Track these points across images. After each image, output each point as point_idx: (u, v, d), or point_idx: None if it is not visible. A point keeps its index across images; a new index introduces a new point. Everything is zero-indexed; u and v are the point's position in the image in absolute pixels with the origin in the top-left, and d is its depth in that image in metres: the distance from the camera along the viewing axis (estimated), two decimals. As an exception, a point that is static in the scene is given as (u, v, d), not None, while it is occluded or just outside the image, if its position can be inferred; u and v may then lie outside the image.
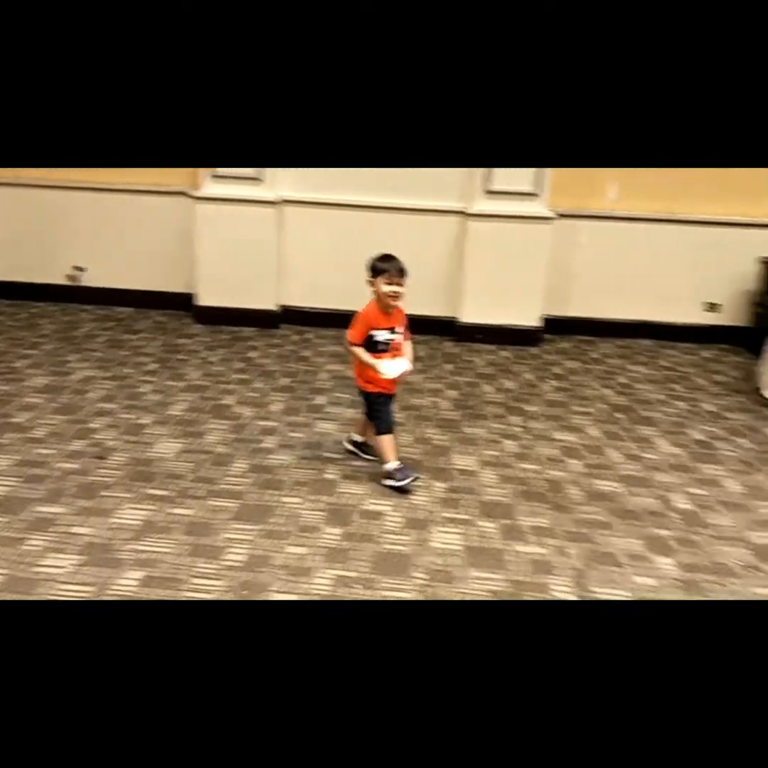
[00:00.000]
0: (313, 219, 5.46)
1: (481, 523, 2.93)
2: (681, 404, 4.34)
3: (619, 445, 3.75)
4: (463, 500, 3.10)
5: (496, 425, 3.94)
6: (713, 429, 3.99)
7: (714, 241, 5.40)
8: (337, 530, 2.81)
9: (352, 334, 3.10)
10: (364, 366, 3.11)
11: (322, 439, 3.63)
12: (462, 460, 3.49)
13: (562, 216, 5.22)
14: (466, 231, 5.28)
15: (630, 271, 5.53)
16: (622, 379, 4.76)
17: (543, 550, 2.76)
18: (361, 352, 3.08)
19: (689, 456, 3.64)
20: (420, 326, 5.54)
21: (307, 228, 5.49)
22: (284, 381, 4.44)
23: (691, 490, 3.29)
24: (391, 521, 2.90)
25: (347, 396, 4.24)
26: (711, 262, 5.44)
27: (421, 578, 2.54)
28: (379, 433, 3.18)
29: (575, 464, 3.51)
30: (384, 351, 3.09)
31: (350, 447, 3.44)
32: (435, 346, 5.32)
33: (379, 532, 2.82)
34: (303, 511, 2.94)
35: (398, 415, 3.97)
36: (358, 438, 3.42)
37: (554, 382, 4.65)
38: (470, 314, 5.43)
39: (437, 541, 2.78)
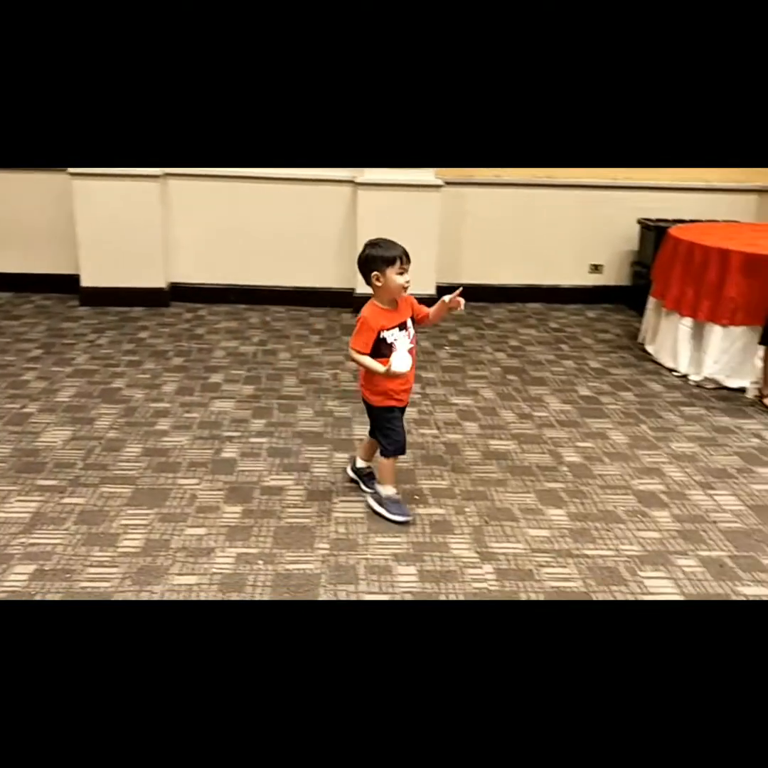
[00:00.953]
0: (199, 192, 5.31)
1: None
2: (569, 363, 4.53)
3: (512, 405, 3.87)
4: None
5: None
6: (599, 385, 4.18)
7: (595, 203, 5.61)
8: (238, 508, 2.79)
9: (356, 342, 2.62)
10: (372, 377, 2.67)
11: (219, 418, 3.57)
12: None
13: (449, 184, 5.29)
14: (356, 200, 5.26)
15: (517, 236, 5.67)
16: (513, 342, 4.90)
17: (442, 511, 2.83)
18: (368, 361, 2.61)
19: (577, 412, 3.81)
20: (317, 299, 5.55)
21: (194, 201, 5.33)
22: (177, 360, 4.33)
23: (580, 443, 3.45)
24: (292, 495, 2.90)
25: (243, 372, 4.18)
26: (593, 225, 5.66)
27: (324, 548, 2.56)
28: (388, 455, 2.75)
29: (471, 426, 3.61)
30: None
31: (352, 475, 2.97)
32: (333, 318, 5.31)
33: (280, 507, 2.81)
34: (201, 492, 2.89)
35: (297, 389, 3.97)
36: (362, 464, 2.93)
37: (450, 348, 4.75)
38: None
39: (340, 510, 2.80)
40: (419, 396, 3.96)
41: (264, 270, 5.50)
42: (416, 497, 2.92)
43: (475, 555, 2.57)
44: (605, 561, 2.56)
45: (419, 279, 5.43)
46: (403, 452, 2.78)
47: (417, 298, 5.38)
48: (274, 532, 2.64)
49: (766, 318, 3.81)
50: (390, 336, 2.62)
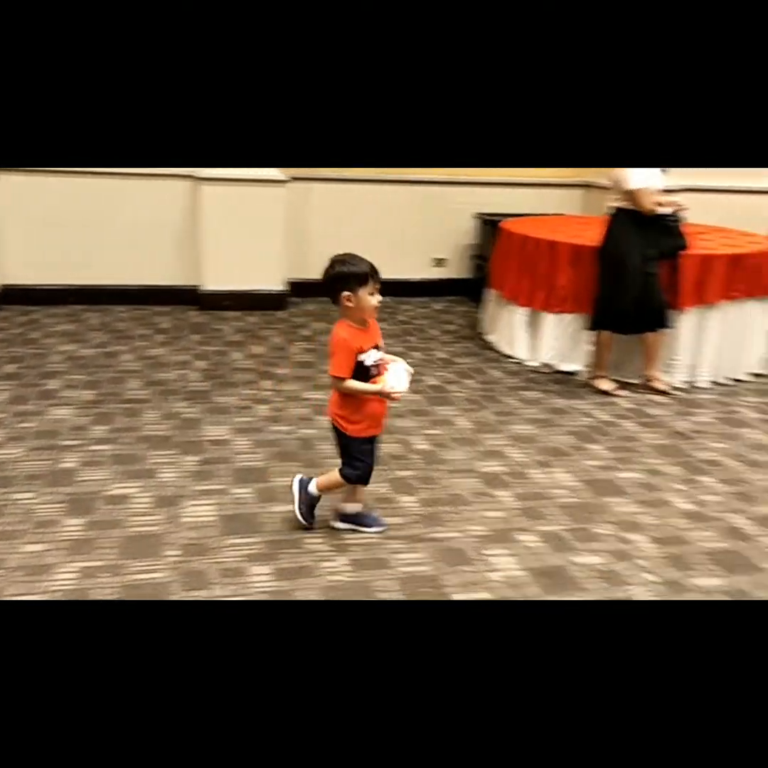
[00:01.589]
0: (29, 187, 4.97)
1: (235, 490, 2.93)
2: (417, 354, 4.66)
3: (364, 398, 3.94)
4: (216, 470, 3.07)
5: (247, 391, 3.94)
6: (445, 374, 4.35)
7: (435, 199, 5.81)
8: (79, 521, 2.65)
9: (339, 367, 2.42)
10: (351, 403, 2.50)
11: (57, 426, 3.37)
12: (214, 431, 3.45)
13: (295, 179, 5.28)
14: (200, 196, 5.13)
15: (365, 231, 5.75)
16: (365, 335, 4.98)
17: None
18: (356, 384, 2.43)
19: (426, 400, 3.94)
20: (161, 297, 5.36)
21: (24, 197, 4.99)
22: (9, 367, 4.04)
23: (428, 431, 3.57)
24: (138, 503, 2.79)
25: (83, 377, 3.97)
26: (435, 220, 5.86)
27: (174, 555, 2.49)
28: (351, 481, 2.61)
29: (324, 421, 3.62)
30: (376, 375, 2.46)
31: (343, 525, 2.72)
32: (180, 317, 5.16)
33: (126, 516, 2.70)
34: (38, 506, 2.72)
35: (142, 392, 3.83)
36: (350, 508, 2.70)
37: (303, 344, 4.75)
38: (214, 281, 5.33)
39: (189, 515, 2.74)
40: (272, 393, 3.94)
41: (103, 269, 5.25)
42: (269, 496, 2.90)
43: (330, 548, 2.60)
44: (453, 543, 2.68)
45: (266, 274, 5.45)
46: (365, 483, 2.65)
47: (264, 293, 5.41)
48: (120, 543, 2.53)
49: (592, 305, 4.11)
50: (368, 358, 2.45)
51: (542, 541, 2.72)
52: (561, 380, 4.31)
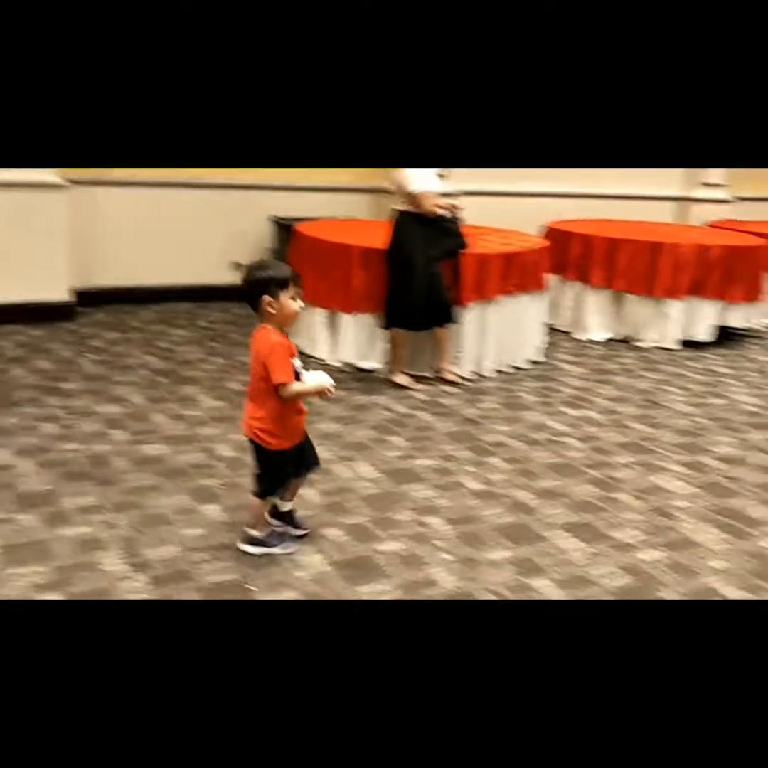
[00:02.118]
0: None
1: (19, 516, 2.72)
2: (220, 360, 4.59)
3: (163, 407, 3.81)
4: (-3, 498, 2.84)
5: (31, 410, 3.67)
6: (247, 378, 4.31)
7: (232, 202, 5.75)
8: None
9: (284, 374, 2.38)
10: (278, 418, 2.46)
11: None
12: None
13: (76, 183, 4.98)
14: (-35, 201, 4.69)
15: (161, 237, 5.58)
16: (163, 344, 4.82)
17: (90, 528, 2.69)
18: (300, 386, 2.43)
19: (230, 406, 3.88)
20: None
21: None
22: None
23: (233, 437, 3.52)
24: None
25: None
26: (232, 223, 5.79)
27: (-52, 594, 2.27)
28: (266, 495, 2.59)
29: (120, 434, 3.47)
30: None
31: (277, 522, 2.69)
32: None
33: None
34: None
35: None
36: (286, 505, 2.70)
37: (94, 356, 4.50)
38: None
39: (-34, 549, 2.51)
40: (60, 409, 3.70)
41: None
42: (59, 519, 2.72)
43: (129, 567, 2.49)
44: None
45: (49, 284, 5.09)
46: (274, 493, 2.63)
47: (47, 304, 5.05)
48: None
49: (384, 305, 4.28)
50: (297, 364, 2.44)
51: (346, 534, 2.79)
52: (362, 378, 4.44)
